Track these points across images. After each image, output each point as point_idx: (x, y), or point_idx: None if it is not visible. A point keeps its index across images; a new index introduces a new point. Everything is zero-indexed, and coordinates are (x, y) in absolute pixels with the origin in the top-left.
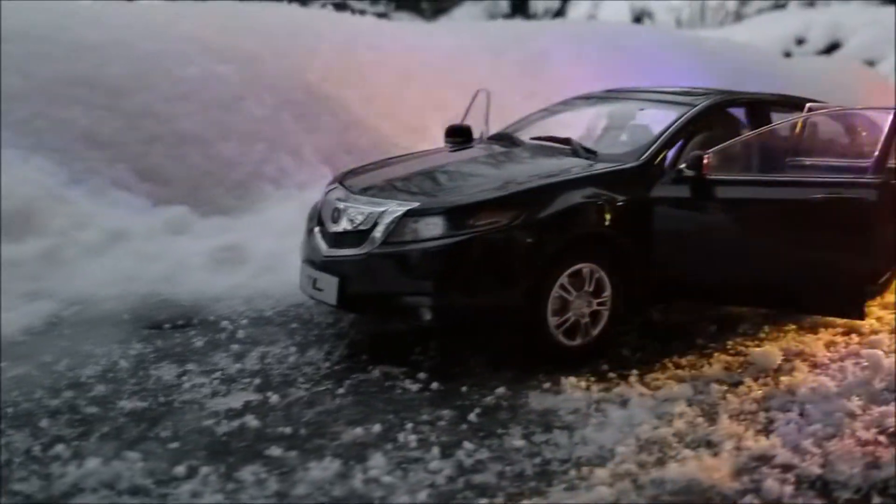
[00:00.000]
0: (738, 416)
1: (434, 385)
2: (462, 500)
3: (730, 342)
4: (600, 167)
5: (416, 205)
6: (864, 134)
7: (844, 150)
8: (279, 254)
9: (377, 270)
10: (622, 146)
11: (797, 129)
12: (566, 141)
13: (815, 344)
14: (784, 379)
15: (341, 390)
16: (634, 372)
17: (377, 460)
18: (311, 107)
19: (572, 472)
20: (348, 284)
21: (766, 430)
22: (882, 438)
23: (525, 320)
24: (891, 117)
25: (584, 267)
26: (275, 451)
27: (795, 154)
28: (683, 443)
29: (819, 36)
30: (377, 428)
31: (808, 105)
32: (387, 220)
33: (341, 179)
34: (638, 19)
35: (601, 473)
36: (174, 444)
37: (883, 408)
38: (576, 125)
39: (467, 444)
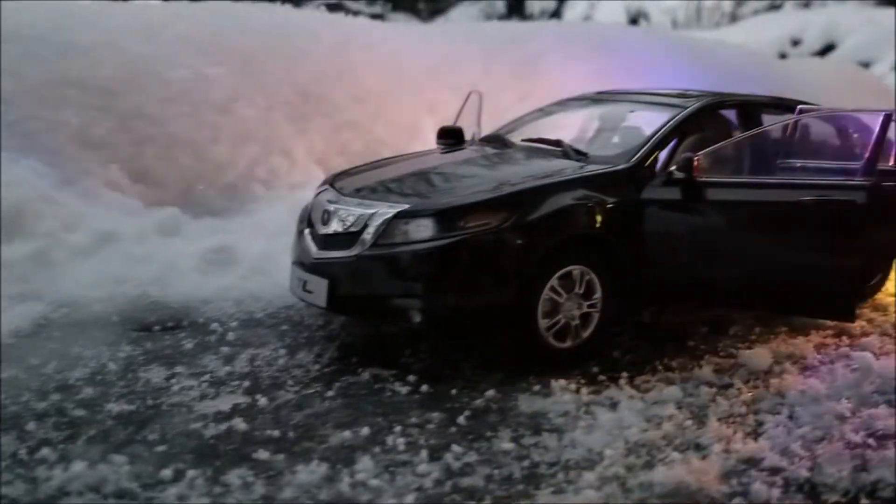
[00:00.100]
0: (727, 419)
1: (424, 387)
2: (449, 503)
3: (720, 344)
4: (591, 169)
5: (406, 207)
6: (855, 136)
7: (835, 152)
8: (270, 255)
9: (367, 272)
10: (614, 148)
11: (788, 132)
12: (557, 143)
13: (806, 346)
14: (774, 381)
15: (330, 393)
16: (624, 374)
17: (365, 463)
18: (304, 108)
19: (560, 476)
20: (338, 286)
21: (755, 433)
22: (871, 441)
23: (515, 322)
24: (880, 119)
25: (575, 269)
26: (262, 454)
27: (786, 156)
28: (672, 445)
29: (814, 37)
30: (365, 431)
31: (799, 107)
32: (377, 221)
33: (332, 181)
34: (634, 20)
35: (589, 476)
36: (161, 448)
37: (872, 410)
38: (568, 127)
39: (456, 447)
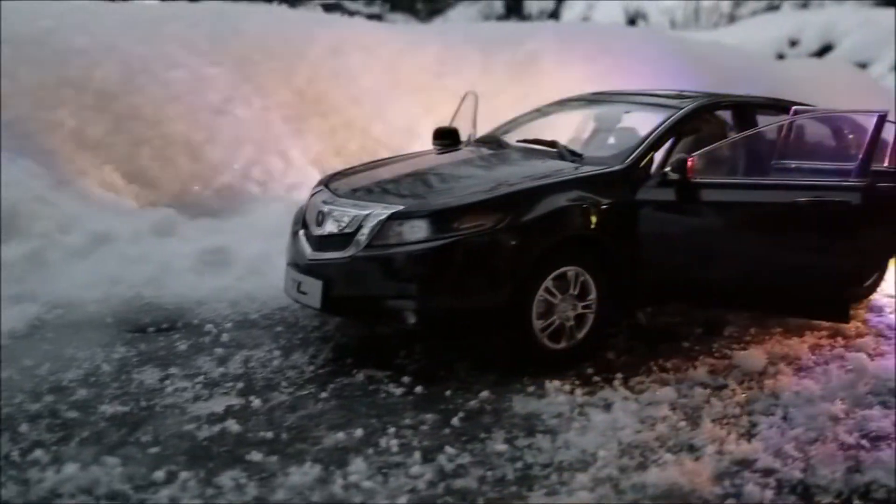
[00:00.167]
0: (721, 420)
1: (418, 389)
2: None
3: (715, 345)
4: (585, 170)
5: (400, 208)
6: (850, 137)
7: (830, 152)
8: (265, 256)
9: (361, 273)
10: (609, 149)
11: (783, 132)
12: (552, 144)
13: (800, 347)
14: (768, 382)
15: (324, 394)
16: (619, 375)
17: (358, 465)
18: (300, 109)
19: (553, 477)
20: (332, 287)
21: (749, 434)
22: (864, 442)
23: (510, 323)
24: (874, 120)
25: (570, 270)
26: (255, 455)
27: (781, 157)
28: (665, 447)
29: (812, 38)
30: (359, 432)
31: (793, 108)
32: (371, 223)
33: (327, 182)
34: (632, 21)
35: (582, 478)
36: (154, 449)
37: (866, 411)
38: (564, 128)
39: (449, 449)
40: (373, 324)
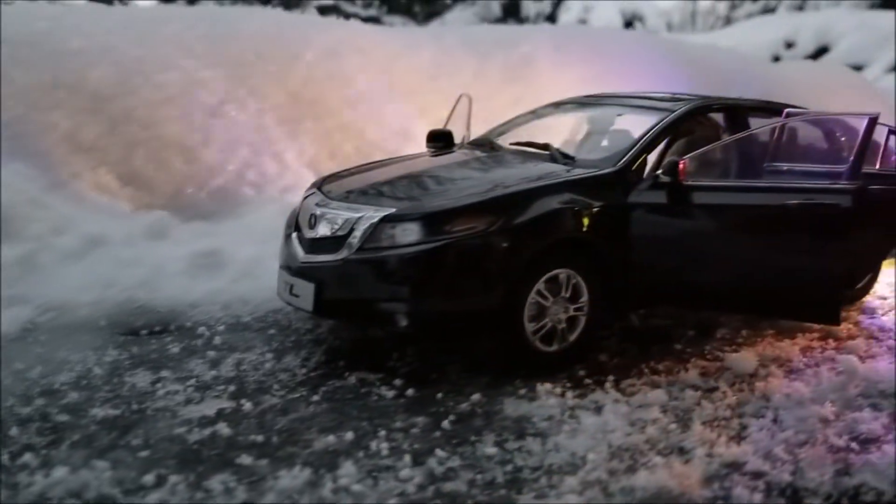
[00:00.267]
0: (711, 423)
1: (410, 392)
2: None
3: (707, 347)
4: (577, 173)
5: (392, 210)
6: (842, 139)
7: (822, 155)
8: (259, 259)
9: (353, 276)
10: (601, 151)
11: (775, 135)
12: (544, 146)
13: (792, 349)
14: (759, 384)
15: (316, 397)
16: (611, 378)
17: (348, 468)
18: (295, 111)
19: (543, 480)
20: (324, 290)
21: (739, 437)
22: (854, 445)
23: (502, 326)
24: (865, 123)
25: (561, 272)
26: (245, 459)
27: (773, 159)
28: (655, 450)
29: (808, 40)
30: (350, 436)
31: (785, 110)
32: (363, 225)
33: (319, 185)
34: (629, 23)
35: (571, 481)
36: (144, 453)
37: (856, 414)
38: (557, 130)
39: (439, 452)
40: (365, 327)
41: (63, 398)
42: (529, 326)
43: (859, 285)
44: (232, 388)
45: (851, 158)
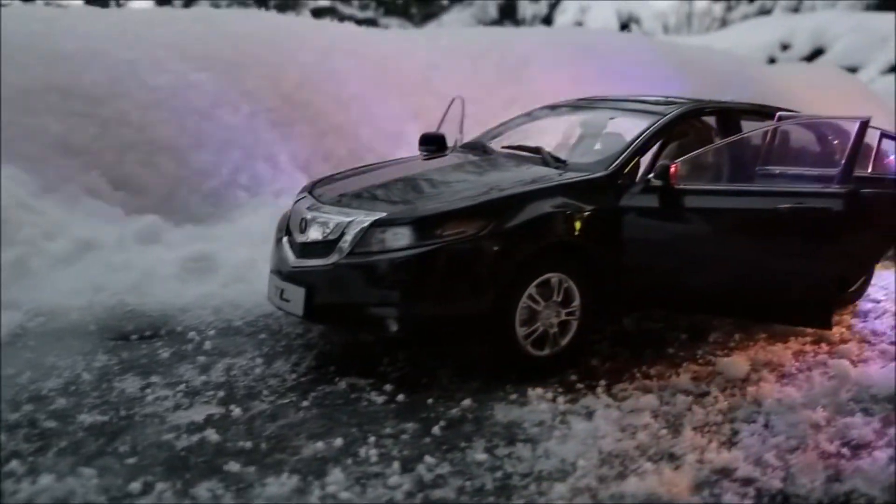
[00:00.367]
0: (702, 428)
1: (400, 397)
2: None
3: (700, 351)
4: (569, 176)
5: (383, 215)
6: (835, 143)
7: (814, 158)
8: (252, 263)
9: (344, 281)
10: (593, 155)
11: (767, 139)
12: (536, 150)
13: (784, 353)
14: (751, 389)
15: (305, 403)
16: (602, 382)
17: (336, 476)
18: (288, 114)
19: (532, 487)
20: (315, 295)
21: (730, 443)
22: (845, 451)
23: (493, 331)
24: (857, 127)
25: (553, 277)
26: (233, 466)
27: (764, 163)
28: (645, 456)
29: (803, 42)
30: (339, 442)
31: (777, 114)
32: (354, 230)
33: (311, 189)
34: (625, 25)
35: (561, 488)
36: (132, 460)
37: (847, 419)
38: (549, 133)
39: (429, 459)
40: (355, 331)
41: (51, 404)
42: (521, 331)
43: (852, 289)
44: (221, 393)
45: (843, 162)
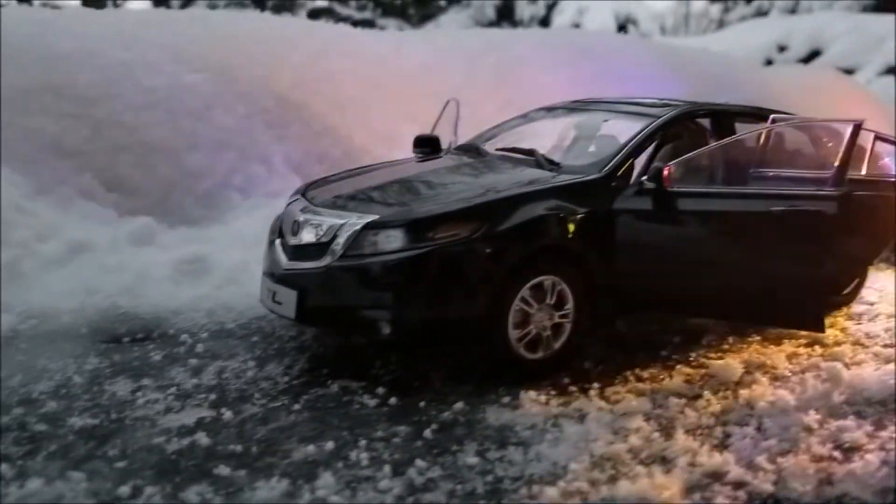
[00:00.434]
0: (694, 431)
1: (392, 400)
2: None
3: (693, 354)
4: (562, 179)
5: (375, 217)
6: (829, 145)
7: (808, 161)
8: (245, 265)
9: (336, 283)
10: (587, 157)
11: (760, 141)
12: (530, 152)
13: (778, 356)
14: (744, 392)
15: (297, 406)
16: (595, 385)
17: (326, 479)
18: (283, 115)
19: (523, 491)
20: (307, 298)
21: (722, 446)
22: (837, 454)
23: (486, 333)
24: (850, 129)
25: (546, 279)
26: (223, 469)
27: (758, 166)
28: (637, 459)
29: (800, 43)
30: (330, 445)
31: (771, 116)
32: (346, 232)
33: (304, 191)
34: (622, 27)
35: (551, 492)
36: (121, 463)
37: (840, 422)
38: (544, 136)
39: (420, 462)
40: (348, 334)
41: (42, 407)
42: (514, 334)
43: (846, 291)
44: (213, 396)
45: (836, 165)
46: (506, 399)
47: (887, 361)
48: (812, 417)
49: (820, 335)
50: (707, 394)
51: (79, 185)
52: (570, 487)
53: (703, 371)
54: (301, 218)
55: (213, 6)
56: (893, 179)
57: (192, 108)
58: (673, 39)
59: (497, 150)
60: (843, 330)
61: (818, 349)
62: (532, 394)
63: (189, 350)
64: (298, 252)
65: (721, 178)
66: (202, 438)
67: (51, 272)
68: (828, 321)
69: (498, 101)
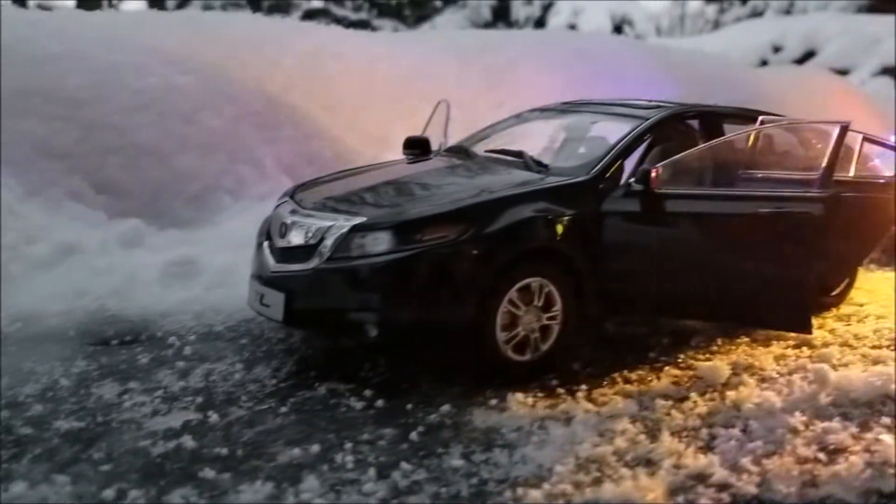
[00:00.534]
0: (680, 433)
1: (379, 402)
2: None
3: (681, 355)
4: (551, 181)
5: (363, 219)
6: (817, 146)
7: (796, 162)
8: (234, 267)
9: (324, 286)
10: (578, 159)
11: (749, 143)
12: (518, 154)
13: (765, 357)
14: (730, 394)
15: (284, 409)
16: (583, 387)
17: (310, 482)
18: (273, 117)
19: (507, 493)
20: (295, 300)
21: (707, 448)
22: (822, 456)
23: (473, 336)
24: (837, 130)
25: (534, 281)
26: (208, 472)
27: (746, 167)
28: (622, 461)
29: (795, 44)
30: (315, 448)
31: (760, 118)
32: (334, 234)
33: (292, 193)
34: (618, 28)
35: (536, 494)
36: (107, 467)
37: (826, 423)
38: (534, 137)
39: (405, 465)
40: (336, 337)
41: (27, 410)
42: (502, 336)
43: (835, 292)
44: (200, 399)
45: (823, 166)
46: (493, 401)
47: (875, 363)
48: (798, 419)
49: (808, 336)
50: (694, 395)
51: (68, 187)
52: (555, 490)
53: (690, 373)
54: (289, 220)
55: (208, 7)
56: (881, 180)
57: (182, 110)
58: (668, 40)
59: (486, 151)
60: (831, 331)
61: (806, 351)
62: (519, 396)
63: (177, 353)
64: (286, 254)
65: (709, 179)
66: (188, 441)
67: (39, 274)
68: (816, 322)
69: (490, 102)
